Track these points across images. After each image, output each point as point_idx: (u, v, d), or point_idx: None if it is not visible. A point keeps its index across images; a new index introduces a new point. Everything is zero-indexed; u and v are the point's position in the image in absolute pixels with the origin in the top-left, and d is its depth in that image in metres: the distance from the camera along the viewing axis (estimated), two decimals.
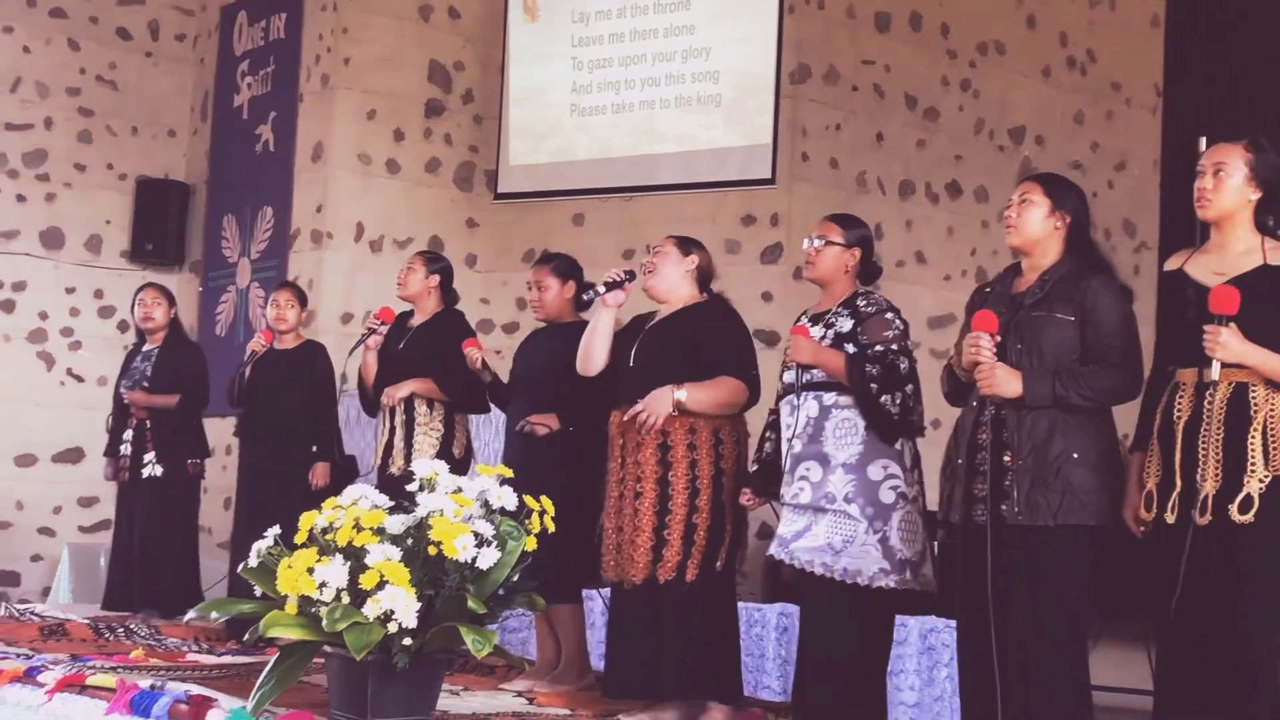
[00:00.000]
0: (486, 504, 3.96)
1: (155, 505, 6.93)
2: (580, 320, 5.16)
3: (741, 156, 7.98)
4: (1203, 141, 10.66)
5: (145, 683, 4.40)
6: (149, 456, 6.91)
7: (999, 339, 3.74)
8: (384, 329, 5.76)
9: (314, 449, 6.42)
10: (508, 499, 3.97)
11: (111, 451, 7.15)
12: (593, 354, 4.75)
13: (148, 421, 6.95)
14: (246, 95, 9.10)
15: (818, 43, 8.08)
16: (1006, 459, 3.70)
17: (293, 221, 8.59)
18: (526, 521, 3.95)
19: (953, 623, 4.27)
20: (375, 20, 8.55)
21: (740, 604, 4.82)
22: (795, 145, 7.92)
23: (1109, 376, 3.69)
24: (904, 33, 8.42)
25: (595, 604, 5.62)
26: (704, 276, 4.76)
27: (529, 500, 3.98)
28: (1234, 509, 3.47)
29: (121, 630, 6.39)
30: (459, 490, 3.93)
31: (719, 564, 4.51)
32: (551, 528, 4.01)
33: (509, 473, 4.30)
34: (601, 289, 4.72)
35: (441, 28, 8.79)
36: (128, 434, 7.01)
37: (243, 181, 9.00)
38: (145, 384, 6.99)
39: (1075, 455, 3.66)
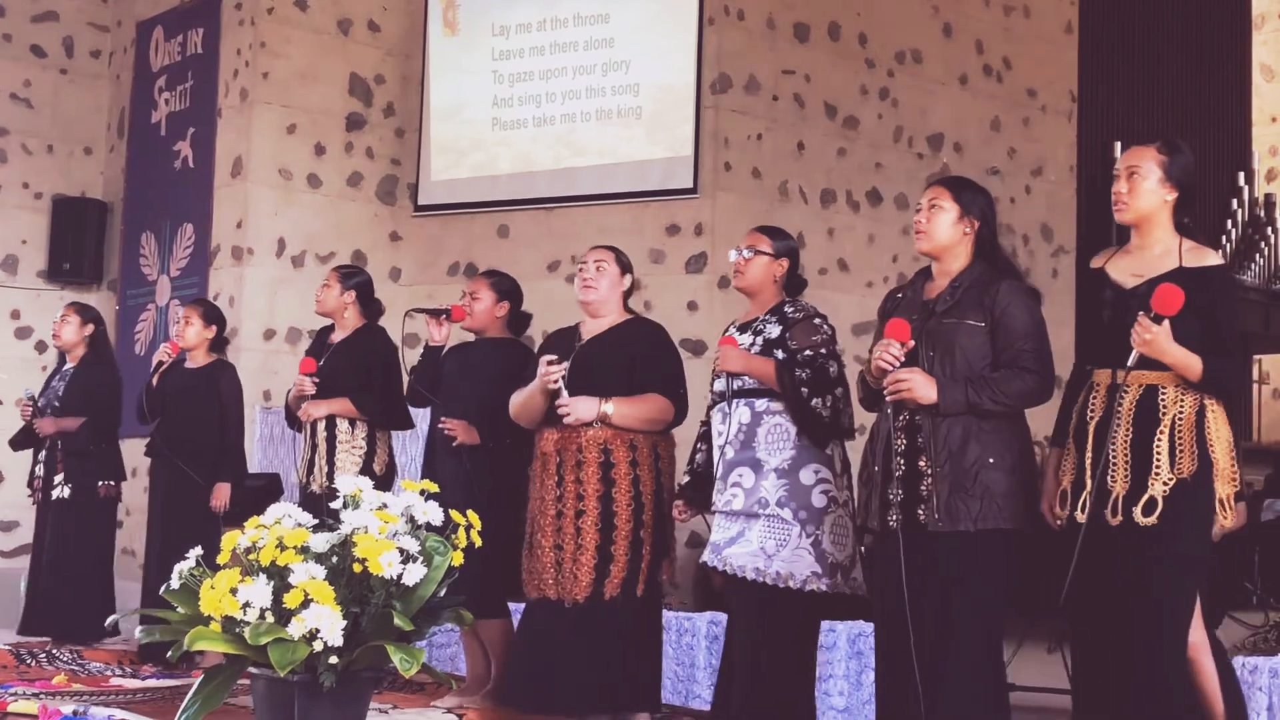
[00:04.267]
0: (412, 520, 3.93)
1: (66, 528, 6.81)
2: (509, 338, 5.31)
3: (663, 167, 8.01)
4: (1118, 146, 10.91)
5: (68, 708, 4.36)
6: (58, 478, 6.83)
7: (911, 346, 3.75)
8: (310, 382, 5.69)
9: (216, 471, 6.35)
10: (433, 514, 3.95)
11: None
12: (528, 417, 4.74)
13: (58, 443, 6.86)
14: (164, 111, 8.99)
15: (738, 53, 8.12)
16: (922, 463, 3.72)
17: (213, 238, 8.50)
18: (453, 536, 3.93)
19: None
20: (294, 34, 8.49)
21: (671, 613, 4.85)
22: (717, 155, 7.96)
23: (1021, 381, 3.70)
24: (823, 42, 8.48)
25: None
26: (628, 294, 4.85)
27: (455, 515, 3.97)
28: (1138, 511, 3.50)
29: (44, 656, 6.29)
30: (383, 506, 3.91)
31: (665, 577, 4.58)
32: (479, 542, 3.99)
33: (434, 488, 4.28)
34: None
35: (361, 41, 8.74)
36: (41, 455, 6.95)
37: (161, 198, 8.89)
38: (56, 403, 6.91)
39: (991, 460, 3.69)
